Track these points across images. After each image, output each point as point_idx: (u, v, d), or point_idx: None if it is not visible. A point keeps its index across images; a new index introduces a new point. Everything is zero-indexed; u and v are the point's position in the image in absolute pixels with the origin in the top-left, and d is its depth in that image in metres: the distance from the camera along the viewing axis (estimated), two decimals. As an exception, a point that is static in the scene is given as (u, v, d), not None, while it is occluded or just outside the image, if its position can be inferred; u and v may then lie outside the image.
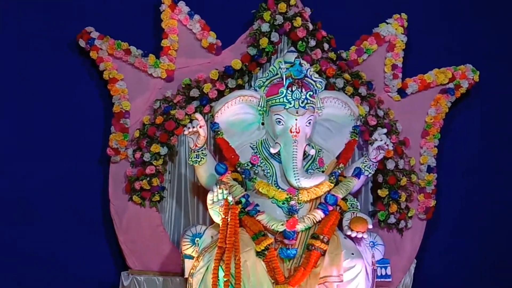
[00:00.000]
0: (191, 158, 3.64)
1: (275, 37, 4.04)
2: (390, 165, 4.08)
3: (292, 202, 3.57)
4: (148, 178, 3.95)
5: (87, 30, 4.01)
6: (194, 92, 4.01)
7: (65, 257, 3.98)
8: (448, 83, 4.30)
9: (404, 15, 4.28)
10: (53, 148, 4.02)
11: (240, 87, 4.03)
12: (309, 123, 3.69)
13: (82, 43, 4.00)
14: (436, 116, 4.27)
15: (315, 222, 3.54)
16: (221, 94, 4.00)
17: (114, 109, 4.00)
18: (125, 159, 4.00)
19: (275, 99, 3.69)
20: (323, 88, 3.86)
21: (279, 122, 3.67)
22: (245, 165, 3.68)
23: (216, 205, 3.46)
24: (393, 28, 4.24)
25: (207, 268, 3.37)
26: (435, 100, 4.29)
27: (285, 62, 3.75)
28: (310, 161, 3.73)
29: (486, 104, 4.46)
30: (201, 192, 4.01)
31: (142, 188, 3.95)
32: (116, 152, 3.99)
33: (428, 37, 4.40)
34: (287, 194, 3.59)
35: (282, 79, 3.70)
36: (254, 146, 3.76)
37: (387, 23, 4.26)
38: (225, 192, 3.44)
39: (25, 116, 4.00)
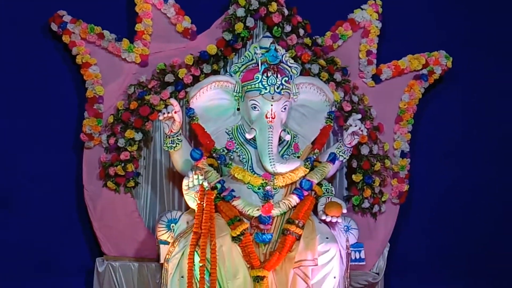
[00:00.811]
0: (166, 143, 3.63)
1: (250, 22, 4.03)
2: (365, 150, 4.12)
3: (268, 188, 3.59)
4: (122, 164, 3.92)
5: (59, 14, 3.94)
6: (169, 77, 3.98)
7: (40, 243, 3.94)
8: (421, 69, 4.34)
9: (378, 1, 4.29)
10: (26, 134, 3.96)
11: (215, 72, 4.02)
12: (285, 108, 3.70)
13: (54, 27, 3.93)
14: (409, 102, 4.31)
15: (290, 207, 3.56)
16: (196, 79, 3.98)
17: (87, 94, 3.95)
18: (99, 144, 3.96)
19: (251, 85, 3.69)
20: (298, 74, 3.86)
21: (255, 107, 3.67)
22: (221, 150, 3.68)
23: (191, 191, 3.46)
24: (368, 14, 4.26)
25: (183, 253, 3.38)
26: (408, 86, 4.32)
27: (261, 48, 3.74)
28: (286, 147, 3.75)
29: (459, 90, 4.51)
30: (176, 178, 4.00)
31: (117, 174, 3.93)
32: (90, 138, 3.95)
33: (402, 23, 4.42)
34: (263, 180, 3.60)
35: (258, 65, 3.70)
36: (230, 132, 3.75)
37: (362, 9, 4.27)
38: (200, 177, 3.44)
39: (-4, 101, 3.93)
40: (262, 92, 3.65)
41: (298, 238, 3.46)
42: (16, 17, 3.94)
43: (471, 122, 4.54)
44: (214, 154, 3.67)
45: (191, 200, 3.49)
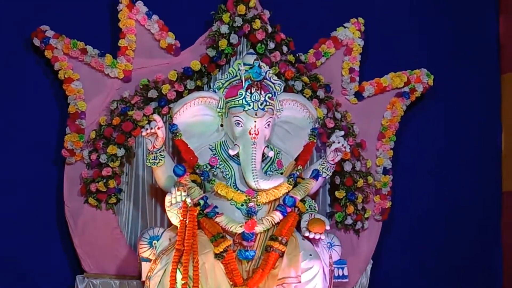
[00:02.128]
0: (149, 159, 3.60)
1: (234, 39, 4.05)
2: (347, 167, 4.13)
3: (251, 204, 3.58)
4: (104, 180, 3.89)
5: (42, 29, 3.93)
6: (152, 93, 3.97)
7: (19, 260, 3.88)
8: (403, 87, 4.39)
9: (361, 19, 4.34)
10: (7, 148, 3.92)
11: (199, 88, 4.02)
12: (268, 125, 3.71)
13: (36, 41, 3.91)
14: (391, 119, 4.35)
15: (273, 223, 3.55)
16: (179, 95, 3.98)
17: (69, 110, 3.92)
18: (81, 160, 3.93)
19: (234, 101, 3.69)
20: (282, 90, 3.88)
21: (238, 124, 3.67)
22: (204, 166, 3.67)
23: (174, 207, 3.43)
24: (351, 32, 4.30)
25: (165, 271, 3.34)
26: (391, 104, 4.36)
27: (244, 64, 3.76)
28: (269, 163, 3.75)
29: (440, 108, 4.57)
30: (159, 194, 3.97)
31: (98, 190, 3.89)
32: (72, 154, 3.91)
33: (384, 42, 4.48)
34: (246, 196, 3.59)
35: (241, 81, 3.70)
36: (213, 148, 3.74)
37: (345, 27, 4.32)
38: (183, 194, 3.42)
39: (-24, 116, 3.89)
40: (246, 109, 3.65)
41: (282, 255, 3.44)
42: (-2, 31, 3.92)
43: (452, 139, 4.59)
44: (197, 170, 3.65)
45: (174, 216, 3.46)
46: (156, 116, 3.54)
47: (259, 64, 3.77)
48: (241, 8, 4.06)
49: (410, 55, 4.50)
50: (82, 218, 3.90)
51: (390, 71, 4.39)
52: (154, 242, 3.58)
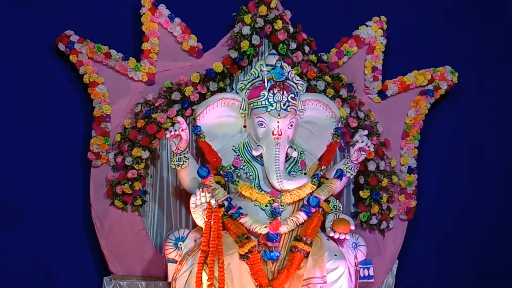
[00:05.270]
0: (173, 161, 3.63)
1: (256, 40, 4.05)
2: (372, 166, 4.11)
3: (275, 205, 3.58)
4: (130, 182, 3.93)
5: (66, 34, 3.98)
6: (176, 95, 4.00)
7: (46, 262, 3.94)
8: (427, 85, 4.35)
9: (383, 18, 4.31)
10: (34, 153, 3.98)
11: (221, 90, 4.04)
12: (291, 125, 3.70)
13: (61, 46, 3.97)
14: (416, 118, 4.31)
15: (298, 224, 3.55)
16: (202, 97, 4.00)
17: (94, 113, 3.97)
18: (107, 163, 3.97)
19: (257, 102, 3.70)
20: (304, 91, 3.87)
21: (261, 124, 3.67)
22: (228, 168, 3.68)
23: (199, 209, 3.45)
24: (373, 31, 4.28)
25: (191, 272, 3.36)
26: (414, 102, 4.33)
27: (267, 65, 3.75)
28: (293, 163, 3.74)
29: (465, 106, 4.52)
30: (183, 196, 4.00)
31: (124, 193, 3.93)
32: (97, 157, 3.96)
33: (407, 39, 4.45)
34: (270, 197, 3.59)
35: (264, 82, 3.70)
36: (237, 149, 3.75)
37: (367, 26, 4.30)
38: (207, 195, 3.43)
39: (4, 121, 3.94)
40: (269, 109, 3.65)
41: (306, 255, 3.44)
42: (24, 37, 3.98)
43: (477, 137, 4.54)
44: (221, 172, 3.67)
45: (199, 218, 3.48)
46: (179, 118, 3.56)
47: (281, 64, 3.76)
48: (263, 9, 4.06)
49: (433, 52, 4.46)
50: (108, 220, 3.95)
51: (414, 69, 4.35)
52: (179, 243, 3.61)
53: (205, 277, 3.31)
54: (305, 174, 3.73)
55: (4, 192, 3.91)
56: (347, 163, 3.82)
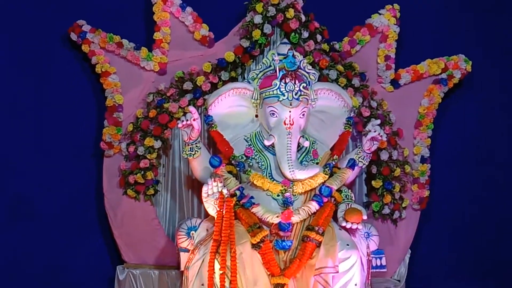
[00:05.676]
0: (185, 151, 3.63)
1: (267, 28, 4.03)
2: (384, 156, 4.09)
3: (287, 194, 3.57)
4: (142, 172, 3.94)
5: (78, 24, 3.99)
6: (187, 85, 4.00)
7: (61, 252, 3.97)
8: (441, 74, 4.31)
9: (396, 6, 4.27)
10: (46, 143, 4.00)
11: (233, 79, 4.03)
12: (303, 115, 3.69)
13: (73, 36, 3.97)
14: (429, 107, 4.28)
15: (310, 213, 3.55)
16: (214, 86, 3.99)
17: (107, 103, 3.98)
18: (119, 153, 3.99)
19: (269, 91, 3.68)
20: (316, 80, 3.85)
21: (273, 114, 3.66)
22: (239, 157, 3.68)
23: (211, 198, 3.46)
24: (386, 19, 4.24)
25: (203, 261, 3.38)
26: (428, 91, 4.30)
27: (278, 54, 3.74)
28: (304, 153, 3.73)
29: (478, 94, 4.48)
30: (195, 185, 4.01)
31: (136, 182, 3.95)
32: (110, 146, 3.97)
33: (420, 28, 4.41)
34: (282, 186, 3.59)
35: (276, 71, 3.69)
36: (248, 139, 3.75)
37: (380, 14, 4.26)
38: (219, 185, 3.43)
39: (17, 111, 3.97)
40: (280, 99, 3.64)
41: (318, 245, 3.44)
42: (35, 27, 3.99)
43: (491, 126, 4.49)
44: (233, 161, 3.67)
45: (211, 207, 3.49)
46: (191, 108, 3.56)
47: (293, 53, 3.75)
48: (274, -2, 4.04)
49: (447, 41, 4.42)
50: (121, 209, 3.97)
51: (427, 57, 4.32)
52: (192, 232, 3.62)
53: (217, 266, 3.33)
54: (317, 163, 3.72)
55: (18, 182, 3.94)
56: (359, 152, 3.81)
